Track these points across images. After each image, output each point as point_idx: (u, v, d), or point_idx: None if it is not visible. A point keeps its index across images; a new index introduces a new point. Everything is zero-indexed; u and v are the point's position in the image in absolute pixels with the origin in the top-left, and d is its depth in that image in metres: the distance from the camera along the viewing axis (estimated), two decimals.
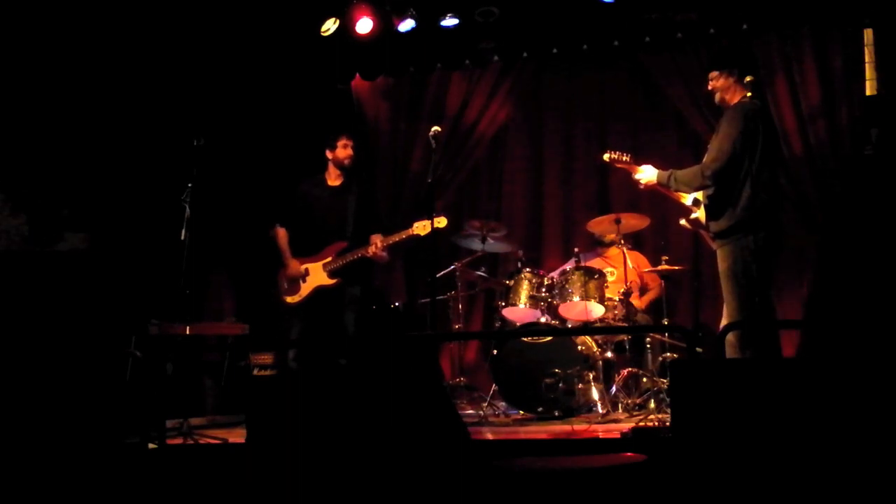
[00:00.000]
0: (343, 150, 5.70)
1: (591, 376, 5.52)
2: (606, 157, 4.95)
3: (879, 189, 5.97)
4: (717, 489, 2.56)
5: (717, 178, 4.42)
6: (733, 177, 4.42)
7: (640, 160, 4.94)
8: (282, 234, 5.76)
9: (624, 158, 4.91)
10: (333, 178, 5.77)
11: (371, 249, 5.50)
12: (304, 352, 5.60)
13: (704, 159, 4.56)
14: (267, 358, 6.20)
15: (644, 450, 3.17)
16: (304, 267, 5.62)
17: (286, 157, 6.92)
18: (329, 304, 5.58)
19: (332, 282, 5.55)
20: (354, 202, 5.69)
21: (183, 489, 3.96)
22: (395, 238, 5.58)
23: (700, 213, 4.70)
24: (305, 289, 5.61)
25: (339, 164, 5.73)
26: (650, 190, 4.89)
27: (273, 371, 6.14)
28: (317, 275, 5.60)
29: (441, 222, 5.41)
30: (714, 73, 4.67)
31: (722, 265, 4.50)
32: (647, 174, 4.77)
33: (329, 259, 5.58)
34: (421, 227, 5.48)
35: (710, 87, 4.72)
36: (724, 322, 4.51)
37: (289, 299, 5.64)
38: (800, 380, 2.64)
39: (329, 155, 5.74)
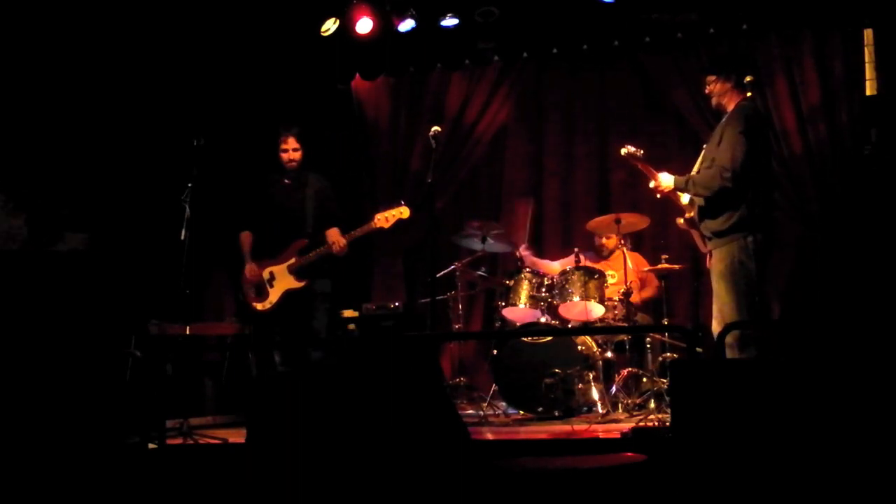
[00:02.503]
0: (285, 154, 5.54)
1: (591, 376, 5.52)
2: (624, 151, 4.91)
3: (879, 189, 5.97)
4: (717, 489, 2.56)
5: (735, 179, 4.40)
6: (739, 178, 4.41)
7: (646, 162, 4.94)
8: (244, 237, 5.65)
9: (639, 154, 4.90)
10: (286, 177, 5.62)
11: (335, 248, 5.39)
12: (288, 354, 5.51)
13: (719, 162, 4.46)
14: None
15: (644, 450, 3.17)
16: (268, 270, 5.50)
17: None
18: (301, 304, 5.48)
19: (300, 284, 5.43)
20: (312, 198, 5.56)
21: (183, 489, 3.96)
22: (358, 233, 5.47)
23: (694, 213, 4.68)
24: (274, 294, 5.48)
25: (282, 166, 5.58)
26: (665, 197, 4.86)
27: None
28: (283, 279, 5.46)
29: (404, 213, 5.32)
30: (711, 78, 4.69)
31: (719, 265, 4.48)
32: (665, 181, 4.76)
33: (293, 260, 5.45)
34: (383, 220, 5.40)
35: (707, 91, 4.74)
36: (714, 322, 4.50)
37: (259, 306, 5.50)
38: (799, 380, 2.64)
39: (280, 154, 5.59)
